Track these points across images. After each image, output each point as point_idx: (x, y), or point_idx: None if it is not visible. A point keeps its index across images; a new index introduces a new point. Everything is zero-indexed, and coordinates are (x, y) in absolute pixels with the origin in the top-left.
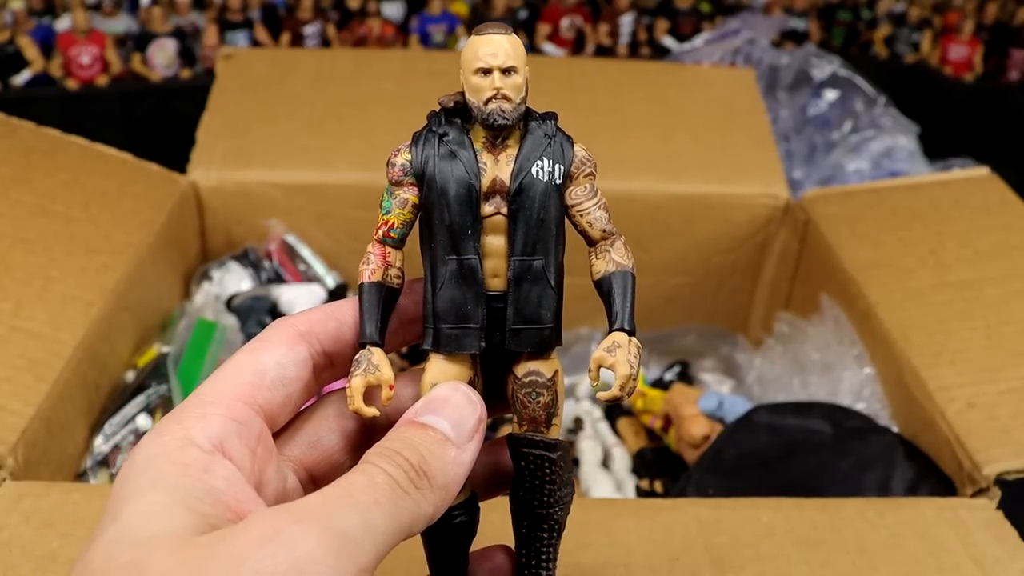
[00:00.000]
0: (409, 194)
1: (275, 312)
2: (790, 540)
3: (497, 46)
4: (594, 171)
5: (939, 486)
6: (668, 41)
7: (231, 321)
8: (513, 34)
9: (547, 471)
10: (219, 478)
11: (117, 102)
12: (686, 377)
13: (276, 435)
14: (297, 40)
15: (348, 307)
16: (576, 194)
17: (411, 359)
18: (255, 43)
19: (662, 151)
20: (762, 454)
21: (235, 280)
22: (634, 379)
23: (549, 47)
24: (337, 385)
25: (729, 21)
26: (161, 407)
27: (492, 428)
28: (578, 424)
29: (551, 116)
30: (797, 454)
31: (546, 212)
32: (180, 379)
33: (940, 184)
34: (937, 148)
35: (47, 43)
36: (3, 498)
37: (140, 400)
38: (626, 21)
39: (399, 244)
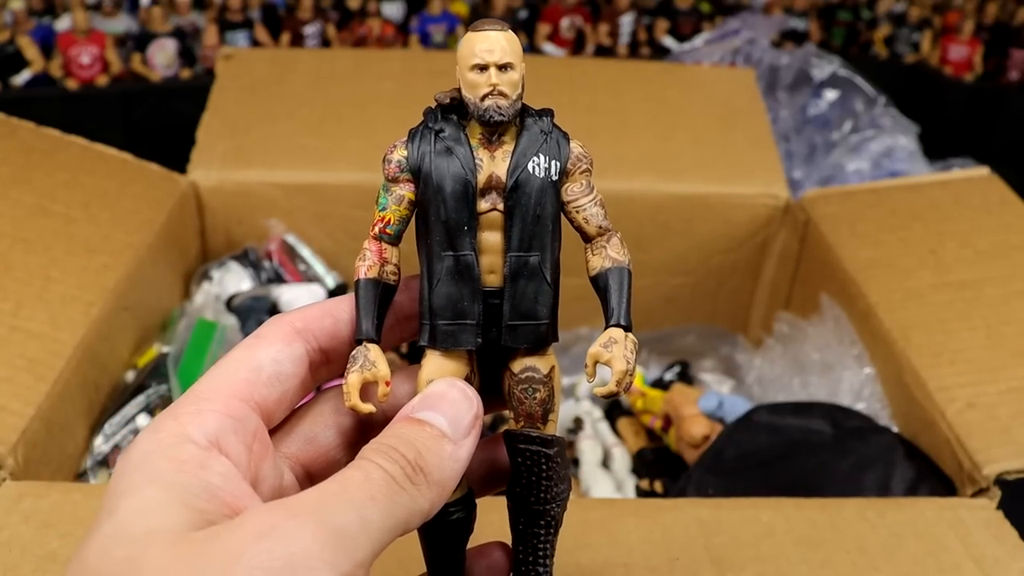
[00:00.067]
0: (405, 190)
1: (275, 312)
2: (790, 540)
3: (493, 42)
4: (590, 167)
5: (939, 486)
6: (668, 41)
7: (231, 321)
8: (509, 30)
9: (544, 467)
10: (215, 474)
11: (117, 102)
12: (686, 377)
13: (272, 432)
14: (297, 40)
15: (344, 304)
16: (572, 190)
17: (411, 359)
18: (255, 43)
19: (662, 151)
20: (762, 454)
21: (235, 280)
22: (631, 375)
23: (549, 47)
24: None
25: (729, 21)
26: (161, 407)
27: (492, 428)
28: (578, 424)
29: (547, 112)
30: (797, 454)
31: (542, 208)
32: (180, 379)
33: (940, 184)
34: (937, 148)
35: (47, 43)
36: (3, 498)
37: (140, 400)
38: (626, 21)
39: (395, 240)
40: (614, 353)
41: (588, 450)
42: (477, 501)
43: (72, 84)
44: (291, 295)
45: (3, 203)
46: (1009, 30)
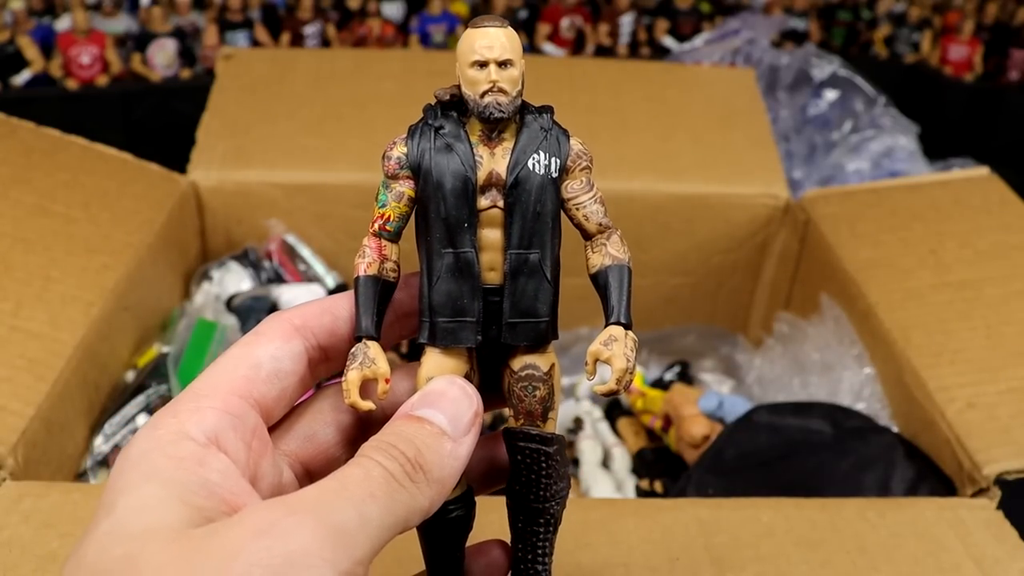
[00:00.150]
0: (405, 187)
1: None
2: (790, 540)
3: (493, 39)
4: (590, 164)
5: (939, 486)
6: (668, 41)
7: (231, 321)
8: (509, 27)
9: (543, 465)
10: (214, 471)
11: (117, 102)
12: (686, 377)
13: (272, 429)
14: (297, 40)
15: (343, 301)
16: (572, 187)
17: (411, 359)
18: (255, 43)
19: (662, 151)
20: (762, 454)
21: (235, 280)
22: (631, 372)
23: (549, 47)
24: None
25: (729, 21)
26: (161, 407)
27: (492, 426)
28: (578, 424)
29: (547, 109)
30: (797, 454)
31: (542, 206)
32: (180, 379)
33: (940, 184)
34: (937, 148)
35: (47, 43)
36: (3, 498)
37: (140, 400)
38: (626, 21)
39: (395, 237)
40: (614, 351)
41: (588, 450)
42: (476, 499)
43: (72, 84)
44: (291, 295)
45: (3, 203)
46: (1009, 30)
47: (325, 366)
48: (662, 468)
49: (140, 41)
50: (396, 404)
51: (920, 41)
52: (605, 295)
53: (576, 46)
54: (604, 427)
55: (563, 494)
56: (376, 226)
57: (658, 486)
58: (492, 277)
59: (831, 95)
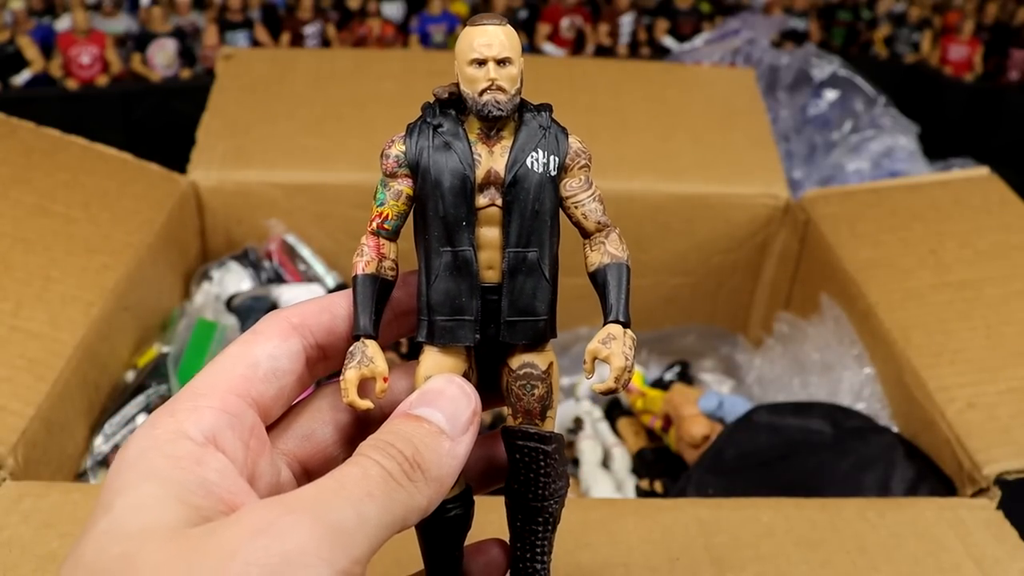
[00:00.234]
0: (403, 185)
1: None
2: (790, 540)
3: (492, 37)
4: (589, 163)
5: (939, 486)
6: (668, 41)
7: (231, 321)
8: (508, 25)
9: (542, 464)
10: (211, 470)
11: (117, 102)
12: (686, 377)
13: (270, 428)
14: (297, 40)
15: (341, 300)
16: (571, 186)
17: (411, 359)
18: (255, 43)
19: (662, 151)
20: (762, 454)
21: (235, 280)
22: (629, 371)
23: (549, 47)
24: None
25: (729, 21)
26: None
27: (492, 425)
28: (578, 424)
29: (546, 107)
30: (797, 454)
31: (541, 204)
32: (180, 379)
33: (940, 184)
34: (937, 148)
35: (47, 43)
36: (3, 498)
37: (140, 400)
38: (626, 21)
39: (393, 236)
40: (612, 349)
41: (588, 450)
42: (475, 498)
43: (72, 84)
44: (291, 295)
45: (3, 203)
46: (1009, 30)
47: (323, 365)
48: (662, 468)
49: (140, 41)
50: (394, 403)
51: (920, 41)
52: (603, 294)
53: (576, 46)
54: (604, 427)
55: (562, 493)
56: (374, 224)
57: (658, 486)
58: (490, 275)
59: (831, 95)
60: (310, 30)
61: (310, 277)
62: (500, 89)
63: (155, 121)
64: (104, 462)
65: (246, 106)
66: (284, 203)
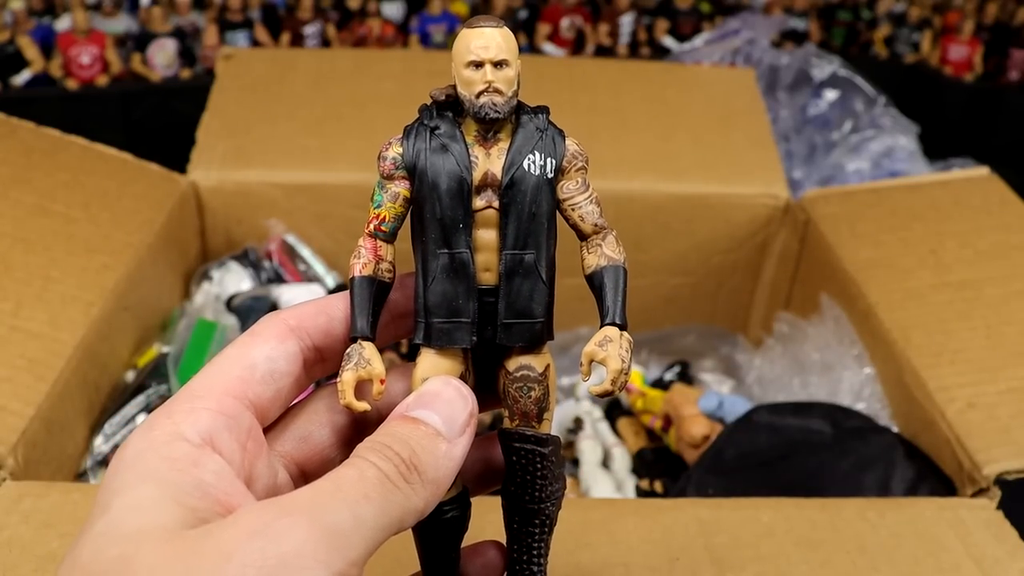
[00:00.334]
0: (400, 188)
1: None
2: (790, 540)
3: (489, 39)
4: (586, 165)
5: (939, 486)
6: (668, 41)
7: (231, 321)
8: (505, 27)
9: (539, 466)
10: (208, 472)
11: (117, 102)
12: (686, 377)
13: (267, 430)
14: (297, 40)
15: (339, 301)
16: (568, 188)
17: (411, 359)
18: (255, 43)
19: (662, 151)
20: (762, 454)
21: (235, 280)
22: (626, 373)
23: (549, 47)
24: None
25: (729, 21)
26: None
27: (492, 427)
28: (578, 424)
29: (543, 110)
30: (797, 454)
31: (538, 206)
32: (180, 379)
33: (940, 184)
34: (937, 148)
35: (47, 43)
36: (3, 498)
37: (140, 400)
38: (626, 21)
39: (390, 238)
40: (609, 352)
41: (588, 450)
42: (474, 500)
43: (72, 84)
44: (291, 295)
45: (3, 203)
46: (1009, 30)
47: (320, 367)
48: (662, 468)
49: (140, 41)
50: (391, 405)
51: (920, 41)
52: (600, 296)
53: (576, 46)
54: (604, 427)
55: (559, 495)
56: (371, 227)
57: (658, 486)
58: (487, 278)
59: (831, 95)
60: (310, 30)
61: (310, 277)
62: (497, 91)
63: (155, 121)
64: (104, 462)
65: (246, 106)
66: (284, 203)
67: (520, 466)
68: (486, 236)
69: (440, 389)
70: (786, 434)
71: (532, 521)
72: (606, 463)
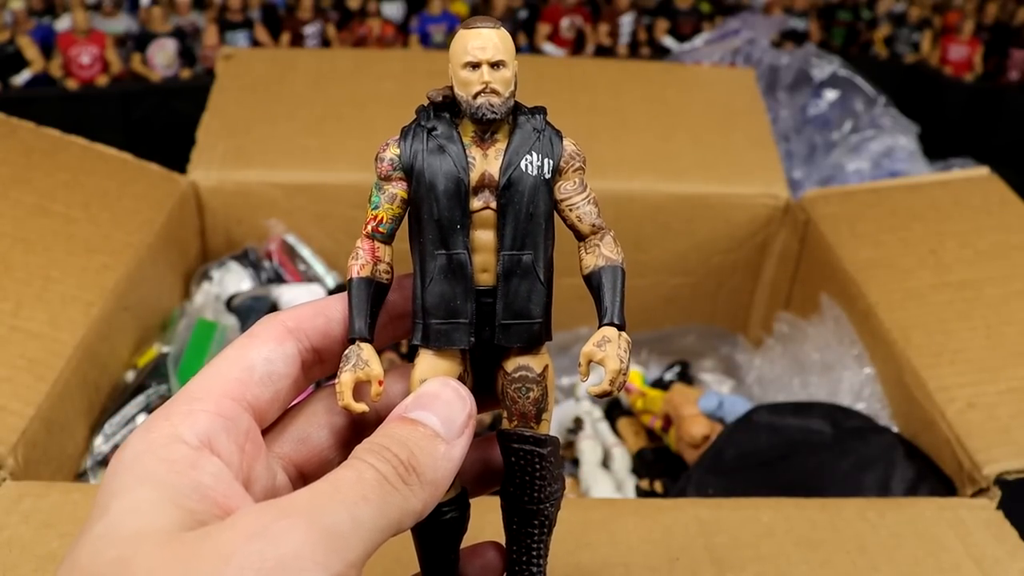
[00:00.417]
0: (398, 189)
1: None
2: (790, 540)
3: (486, 40)
4: (583, 165)
5: (939, 486)
6: (668, 41)
7: (231, 321)
8: (502, 28)
9: (537, 466)
10: (207, 474)
11: (117, 102)
12: (686, 377)
13: (265, 432)
14: (297, 40)
15: (337, 303)
16: (565, 188)
17: (410, 359)
18: (255, 43)
19: (662, 151)
20: (762, 454)
21: (235, 280)
22: (624, 374)
23: (549, 47)
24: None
25: (729, 21)
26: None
27: (491, 427)
28: (578, 424)
29: (540, 110)
30: (797, 454)
31: (535, 207)
32: (180, 379)
33: (940, 184)
34: (937, 148)
35: (47, 43)
36: (3, 498)
37: (140, 400)
38: (626, 21)
39: (388, 239)
40: (607, 352)
41: (588, 450)
42: (475, 500)
43: (72, 84)
44: (291, 295)
45: (3, 203)
46: (1009, 30)
47: (319, 368)
48: (662, 468)
49: (140, 41)
50: (390, 406)
51: (920, 41)
52: (598, 296)
53: (576, 46)
54: (604, 427)
55: (557, 495)
56: (369, 228)
57: (658, 486)
58: (485, 278)
59: (831, 95)
60: (310, 30)
61: (310, 277)
62: (494, 92)
63: (155, 121)
64: (104, 462)
65: (246, 106)
66: (284, 203)
67: (519, 467)
68: (484, 237)
69: (438, 390)
70: (786, 434)
71: (531, 522)
72: (606, 463)
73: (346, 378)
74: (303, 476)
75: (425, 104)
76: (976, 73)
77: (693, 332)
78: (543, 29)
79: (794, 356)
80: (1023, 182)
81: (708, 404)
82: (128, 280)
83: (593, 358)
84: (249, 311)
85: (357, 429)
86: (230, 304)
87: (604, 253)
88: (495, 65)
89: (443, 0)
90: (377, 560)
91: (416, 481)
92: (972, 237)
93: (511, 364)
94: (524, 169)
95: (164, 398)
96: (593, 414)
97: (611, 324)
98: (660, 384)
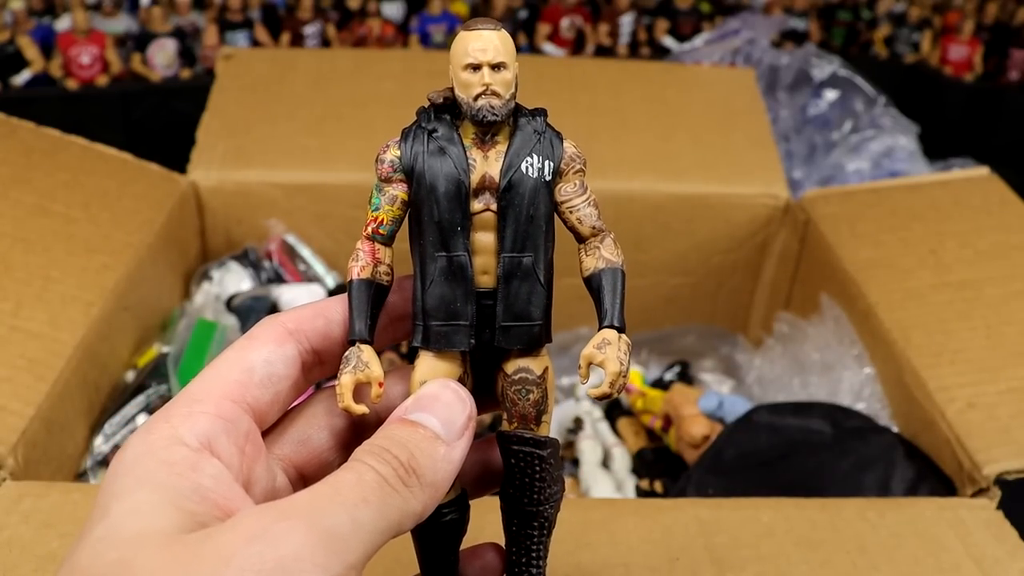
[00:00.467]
0: (398, 191)
1: (275, 312)
2: (790, 540)
3: (486, 42)
4: (583, 167)
5: (939, 486)
6: (668, 41)
7: (231, 321)
8: (503, 29)
9: (537, 468)
10: (207, 476)
11: (117, 102)
12: (686, 377)
13: (265, 433)
14: (297, 40)
15: (337, 304)
16: (566, 190)
17: (411, 359)
18: (255, 43)
19: (662, 151)
20: (762, 454)
21: (235, 280)
22: (624, 376)
23: (549, 47)
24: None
25: (729, 21)
26: (160, 407)
27: (491, 428)
28: (578, 424)
29: (540, 112)
30: (797, 454)
31: (535, 209)
32: (180, 379)
33: (940, 184)
34: (937, 148)
35: (47, 43)
36: (3, 498)
37: (140, 400)
38: (626, 21)
39: (388, 241)
40: (607, 354)
41: (588, 450)
42: (475, 502)
43: (72, 84)
44: (291, 295)
45: (3, 203)
46: (1009, 30)
47: (319, 370)
48: (662, 468)
49: (140, 41)
50: (390, 408)
51: (920, 41)
52: (598, 298)
53: (576, 46)
54: (604, 427)
55: (557, 497)
56: (369, 229)
57: (658, 486)
58: (485, 280)
59: (831, 95)
60: (310, 30)
61: (310, 277)
62: (495, 94)
63: (155, 121)
64: (104, 462)
65: (246, 106)
66: (284, 203)
67: (519, 468)
68: (484, 239)
69: (438, 392)
70: (786, 434)
71: (531, 523)
72: (606, 463)
73: (346, 380)
74: (303, 478)
75: (425, 105)
76: (976, 73)
77: (693, 332)
78: (543, 29)
79: (794, 356)
80: (1023, 182)
81: (708, 404)
82: (128, 280)
83: (593, 360)
84: (249, 311)
85: (357, 431)
86: (230, 304)
87: (604, 255)
88: (496, 67)
89: (443, 0)
90: (377, 561)
91: (416, 483)
92: (972, 237)
93: (511, 366)
94: (525, 171)
95: (164, 398)
96: (593, 414)
97: (611, 326)
98: (660, 384)
